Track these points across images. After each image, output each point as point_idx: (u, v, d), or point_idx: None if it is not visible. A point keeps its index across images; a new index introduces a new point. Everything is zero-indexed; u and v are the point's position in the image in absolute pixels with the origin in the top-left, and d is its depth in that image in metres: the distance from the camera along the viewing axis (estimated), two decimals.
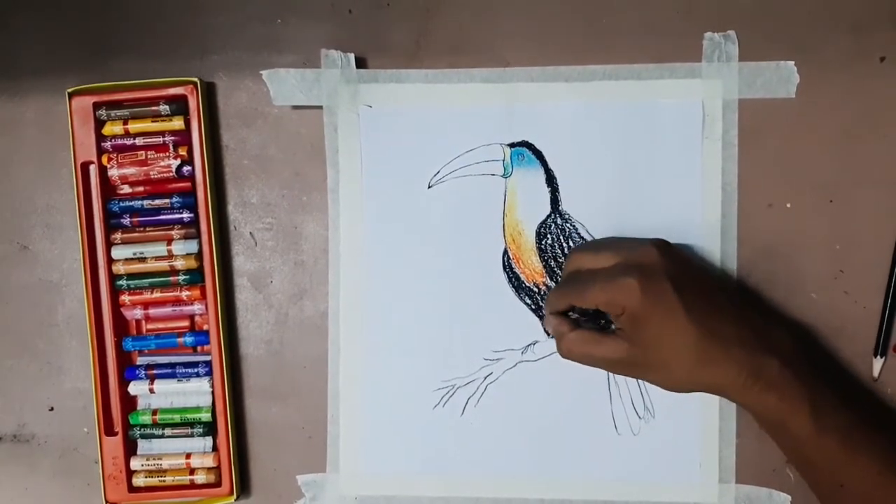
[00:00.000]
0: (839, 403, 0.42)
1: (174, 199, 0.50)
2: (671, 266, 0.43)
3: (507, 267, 0.50)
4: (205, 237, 0.50)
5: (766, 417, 0.42)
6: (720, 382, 0.42)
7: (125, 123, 0.50)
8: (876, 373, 0.48)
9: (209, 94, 0.51)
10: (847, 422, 0.41)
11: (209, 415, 0.50)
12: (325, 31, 0.50)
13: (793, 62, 0.48)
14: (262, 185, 0.51)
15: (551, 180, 0.49)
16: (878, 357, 0.48)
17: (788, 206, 0.49)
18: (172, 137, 0.50)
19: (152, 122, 0.50)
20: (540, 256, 0.50)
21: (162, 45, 0.51)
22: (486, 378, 0.50)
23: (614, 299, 0.42)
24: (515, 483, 0.50)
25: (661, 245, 0.44)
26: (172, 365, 0.50)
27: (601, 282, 0.43)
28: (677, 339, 0.42)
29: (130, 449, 0.51)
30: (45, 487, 0.52)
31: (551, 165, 0.49)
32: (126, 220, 0.50)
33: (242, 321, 0.51)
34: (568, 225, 0.49)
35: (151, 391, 0.50)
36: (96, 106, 0.50)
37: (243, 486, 0.51)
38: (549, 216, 0.50)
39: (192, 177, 0.50)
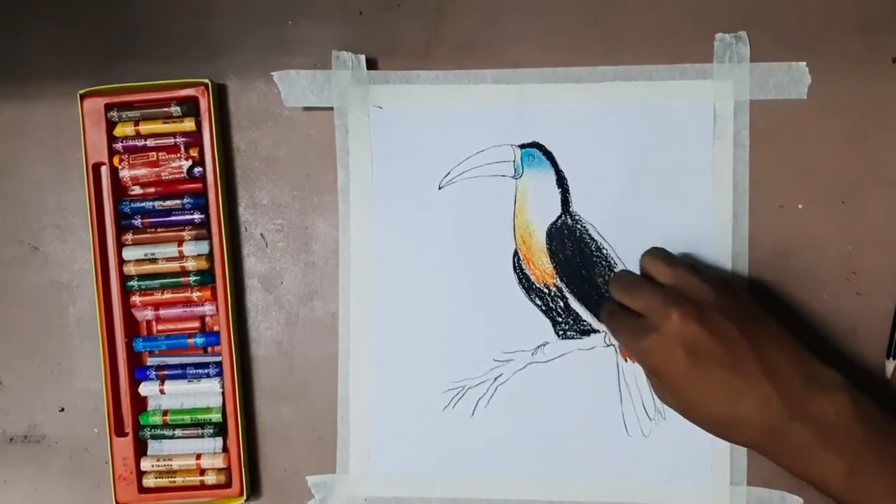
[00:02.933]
0: (884, 464, 0.39)
1: (185, 201, 0.50)
2: (688, 332, 0.41)
3: (518, 268, 0.50)
4: (216, 238, 0.50)
5: (802, 479, 0.41)
6: (753, 447, 0.42)
7: (136, 125, 0.50)
8: (889, 374, 0.48)
9: (220, 96, 0.51)
10: (890, 484, 0.39)
11: (219, 416, 0.50)
12: (336, 33, 0.50)
13: (804, 63, 0.48)
14: (272, 187, 0.51)
15: (562, 181, 0.49)
16: (891, 359, 0.48)
17: (800, 207, 0.49)
18: (183, 139, 0.50)
19: (163, 123, 0.50)
20: (550, 258, 0.50)
21: (173, 47, 0.51)
22: (496, 379, 0.50)
23: (631, 350, 0.44)
24: (525, 484, 0.50)
25: (685, 308, 0.42)
26: (183, 366, 0.51)
27: (627, 332, 0.44)
28: (697, 404, 0.42)
29: (141, 450, 0.51)
30: (55, 488, 0.53)
31: (562, 166, 0.49)
32: (137, 222, 0.50)
33: (253, 322, 0.51)
34: (578, 226, 0.49)
35: (162, 392, 0.50)
36: (108, 107, 0.50)
37: (253, 487, 0.51)
38: (559, 217, 0.50)
39: (203, 178, 0.50)
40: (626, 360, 0.50)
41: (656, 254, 0.46)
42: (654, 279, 0.45)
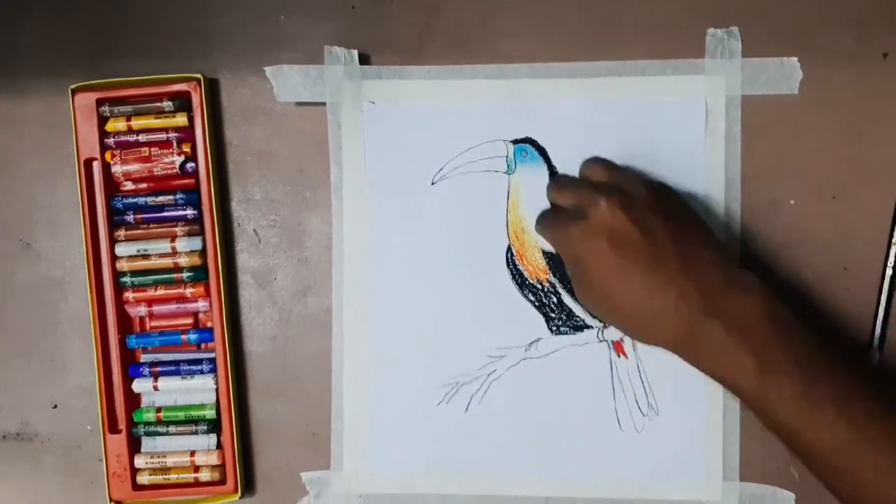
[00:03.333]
0: (800, 369, 0.39)
1: (178, 196, 0.50)
2: (614, 221, 0.42)
3: (511, 264, 0.50)
4: (208, 234, 0.50)
5: (715, 379, 0.42)
6: (669, 345, 0.42)
7: (128, 120, 0.50)
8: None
9: (212, 91, 0.51)
10: (804, 385, 0.39)
11: (213, 412, 0.50)
12: (329, 28, 0.50)
13: (796, 58, 0.48)
14: (265, 182, 0.51)
15: (554, 176, 0.50)
16: (875, 349, 0.48)
17: (792, 202, 0.49)
18: (176, 134, 0.50)
19: (156, 118, 0.50)
20: (543, 253, 0.50)
21: (165, 42, 0.51)
22: (489, 375, 0.50)
23: (555, 240, 0.45)
24: (519, 480, 0.50)
25: (614, 198, 0.42)
26: (176, 362, 0.50)
27: (552, 219, 0.46)
28: (616, 298, 0.42)
29: (134, 447, 0.51)
30: (48, 485, 0.52)
31: (555, 162, 0.50)
32: (130, 217, 0.50)
33: (246, 318, 0.51)
34: None
35: (155, 388, 0.50)
36: (99, 102, 0.50)
37: (247, 484, 0.51)
38: None
39: (195, 173, 0.50)
40: (619, 356, 0.50)
41: (595, 158, 0.48)
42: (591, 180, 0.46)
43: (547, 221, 0.47)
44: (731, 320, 0.40)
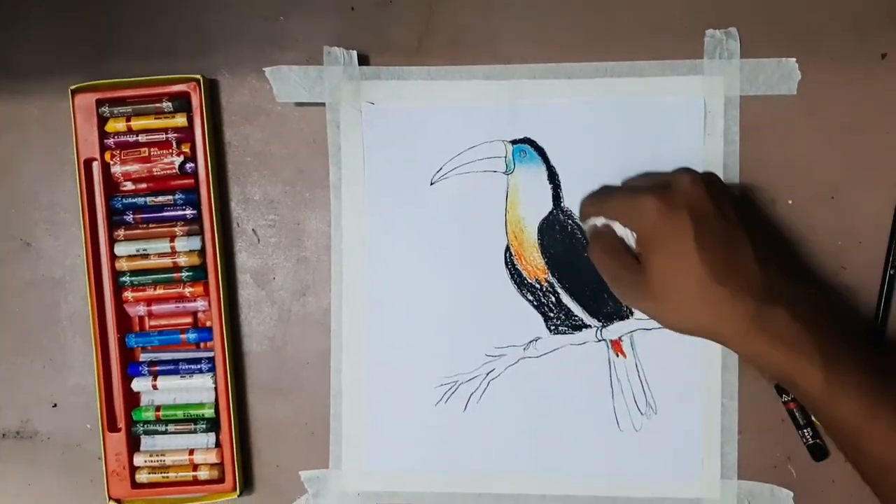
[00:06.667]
0: (858, 363, 0.40)
1: (177, 196, 0.50)
2: (697, 198, 0.42)
3: (509, 263, 0.50)
4: (208, 234, 0.50)
5: (772, 372, 0.41)
6: (723, 329, 0.41)
7: (128, 120, 0.50)
8: None
9: (212, 91, 0.51)
10: (865, 382, 0.39)
11: (212, 411, 0.50)
12: (328, 29, 0.50)
13: (794, 59, 0.48)
14: (264, 182, 0.51)
15: (553, 177, 0.50)
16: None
17: (790, 202, 0.49)
18: (175, 134, 0.50)
19: (155, 118, 0.50)
20: (542, 253, 0.50)
21: (165, 43, 0.51)
22: (488, 374, 0.50)
23: (630, 213, 0.43)
24: (517, 479, 0.50)
25: (697, 177, 0.43)
26: (175, 361, 0.51)
27: (624, 194, 0.45)
28: (684, 273, 0.41)
29: (133, 445, 0.51)
30: (48, 484, 0.53)
31: (553, 162, 0.50)
32: (129, 217, 0.50)
33: (245, 318, 0.52)
34: (570, 221, 0.50)
35: (154, 387, 0.50)
36: (99, 103, 0.50)
37: (246, 482, 0.51)
38: (551, 213, 0.50)
39: (194, 174, 0.50)
40: (618, 356, 0.50)
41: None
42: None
43: (618, 196, 0.46)
44: (795, 308, 0.40)
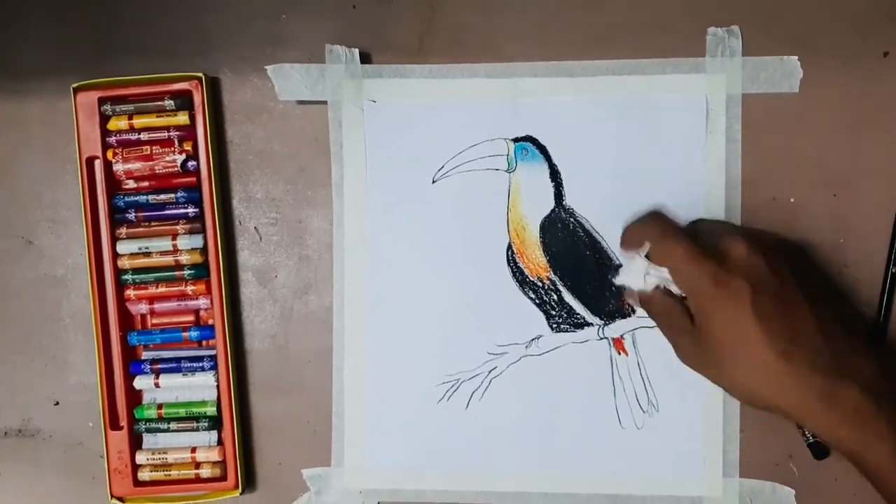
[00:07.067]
0: None
1: (179, 194, 0.50)
2: (755, 266, 0.39)
3: (511, 261, 0.50)
4: (210, 232, 0.50)
5: (841, 448, 0.39)
6: (787, 404, 0.39)
7: (130, 118, 0.50)
8: None
9: (214, 90, 0.51)
10: None
11: (214, 409, 0.50)
12: (330, 27, 0.50)
13: (796, 57, 0.48)
14: (266, 180, 0.51)
15: (555, 175, 0.50)
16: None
17: (792, 200, 0.49)
18: (177, 132, 0.50)
19: (157, 117, 0.50)
20: (544, 251, 0.50)
21: (167, 41, 0.51)
22: (490, 372, 0.50)
23: (684, 276, 0.40)
24: (519, 477, 0.50)
25: (755, 244, 0.40)
26: (178, 359, 0.51)
27: (681, 251, 0.40)
28: (743, 345, 0.39)
29: (136, 443, 0.51)
30: (50, 482, 0.53)
31: (555, 160, 0.50)
32: (131, 215, 0.50)
33: (247, 316, 0.52)
34: (572, 220, 0.50)
35: (157, 385, 0.50)
36: (101, 101, 0.50)
37: (248, 480, 0.51)
38: (552, 211, 0.50)
39: (196, 172, 0.50)
40: (619, 353, 0.50)
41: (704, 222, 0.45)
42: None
43: (675, 251, 0.41)
44: (864, 384, 0.38)
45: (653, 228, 0.43)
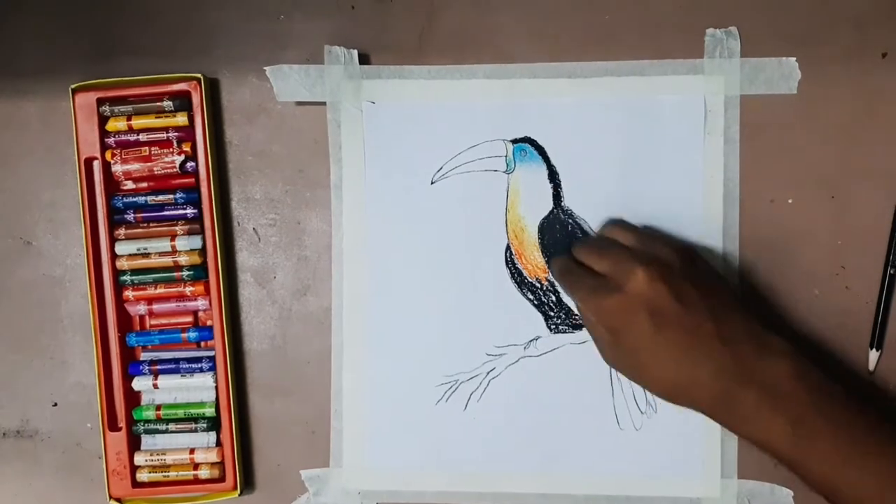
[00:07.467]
0: (830, 431, 0.40)
1: (178, 195, 0.50)
2: (656, 296, 0.42)
3: (510, 262, 0.50)
4: (208, 233, 0.50)
5: (749, 441, 0.43)
6: (701, 410, 0.43)
7: (129, 119, 0.50)
8: (872, 366, 0.48)
9: (213, 91, 0.51)
10: (837, 444, 0.40)
11: (213, 410, 0.50)
12: (329, 28, 0.50)
13: (794, 58, 0.48)
14: (265, 181, 0.51)
15: (553, 176, 0.50)
16: (874, 349, 0.48)
17: (790, 201, 0.49)
18: (176, 133, 0.50)
19: (156, 118, 0.50)
20: (542, 252, 0.50)
21: (165, 42, 0.51)
22: (488, 373, 0.50)
23: (588, 307, 0.44)
24: (518, 478, 0.50)
25: (654, 271, 0.42)
26: (176, 360, 0.51)
27: (585, 284, 0.45)
28: (652, 363, 0.43)
29: (134, 444, 0.51)
30: (48, 483, 0.53)
31: (554, 161, 0.50)
32: (130, 216, 0.50)
33: (246, 317, 0.52)
34: (570, 221, 0.50)
35: (155, 386, 0.50)
36: (100, 102, 0.50)
37: (247, 481, 0.51)
38: (551, 212, 0.50)
39: (195, 173, 0.50)
40: None
41: (617, 222, 0.48)
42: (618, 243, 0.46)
43: (574, 282, 0.46)
44: (764, 386, 0.41)
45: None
